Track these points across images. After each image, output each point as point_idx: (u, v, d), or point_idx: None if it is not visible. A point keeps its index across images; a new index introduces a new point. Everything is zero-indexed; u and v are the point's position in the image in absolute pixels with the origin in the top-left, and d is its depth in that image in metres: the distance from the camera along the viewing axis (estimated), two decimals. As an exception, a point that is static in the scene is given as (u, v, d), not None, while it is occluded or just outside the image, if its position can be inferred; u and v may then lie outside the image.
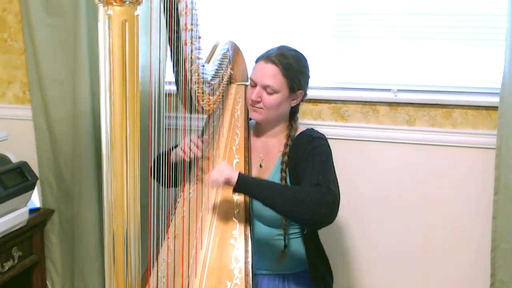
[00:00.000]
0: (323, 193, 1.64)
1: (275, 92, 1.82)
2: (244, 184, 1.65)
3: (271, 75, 1.81)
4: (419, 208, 2.41)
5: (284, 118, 1.93)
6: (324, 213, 1.64)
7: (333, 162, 1.83)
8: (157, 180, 1.86)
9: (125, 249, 1.08)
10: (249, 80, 1.90)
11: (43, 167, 2.71)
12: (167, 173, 1.82)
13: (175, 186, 1.89)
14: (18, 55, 2.73)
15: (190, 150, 1.80)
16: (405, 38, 2.38)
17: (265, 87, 1.82)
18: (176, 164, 1.85)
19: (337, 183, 1.76)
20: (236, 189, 1.66)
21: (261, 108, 1.85)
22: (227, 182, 1.64)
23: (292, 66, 1.83)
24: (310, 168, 1.76)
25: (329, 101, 2.45)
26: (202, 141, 1.87)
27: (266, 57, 1.83)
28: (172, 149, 1.89)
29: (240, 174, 1.65)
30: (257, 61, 1.89)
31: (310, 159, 1.79)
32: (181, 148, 1.82)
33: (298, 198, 1.62)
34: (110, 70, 0.98)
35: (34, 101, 2.68)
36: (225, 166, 1.67)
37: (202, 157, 1.85)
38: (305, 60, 1.90)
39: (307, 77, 1.91)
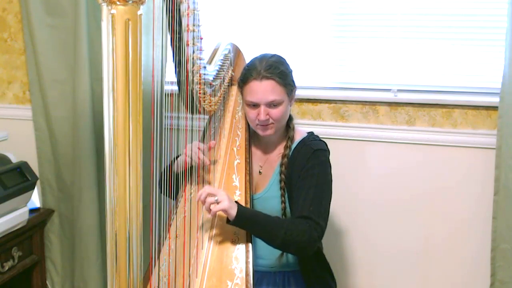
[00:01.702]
0: (311, 230, 1.71)
1: (279, 103, 1.82)
2: (241, 221, 1.65)
3: (271, 90, 1.80)
4: (419, 208, 2.42)
5: (285, 123, 1.94)
6: (309, 251, 1.77)
7: (330, 179, 1.86)
8: (162, 193, 1.85)
9: (127, 248, 1.08)
10: (245, 102, 1.87)
11: (43, 167, 2.71)
12: (171, 185, 1.82)
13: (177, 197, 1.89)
14: (18, 55, 2.73)
15: (194, 153, 1.79)
16: (405, 38, 2.38)
17: (269, 104, 1.81)
18: (178, 174, 1.85)
19: (328, 211, 1.80)
20: (232, 223, 1.66)
21: (272, 123, 1.84)
22: (223, 211, 1.64)
23: (284, 73, 1.83)
24: (305, 192, 1.78)
25: (329, 101, 2.45)
26: (209, 147, 1.85)
27: (257, 75, 1.80)
28: (174, 161, 1.88)
29: (238, 210, 1.64)
30: (245, 82, 1.84)
31: (307, 180, 1.80)
32: (187, 154, 1.80)
33: (289, 239, 1.68)
34: (113, 69, 0.98)
35: (34, 101, 2.68)
36: (226, 197, 1.63)
37: (205, 161, 1.84)
38: (285, 59, 1.90)
39: (292, 72, 1.91)
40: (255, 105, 1.82)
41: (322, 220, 1.75)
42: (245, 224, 1.68)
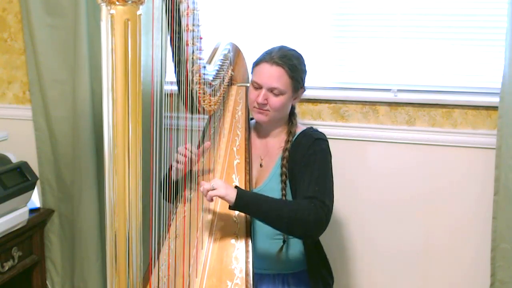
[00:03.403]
0: (317, 209, 1.68)
1: (281, 93, 1.83)
2: (242, 203, 1.64)
3: (277, 77, 1.81)
4: (419, 208, 2.42)
5: (286, 117, 1.94)
6: (317, 231, 1.74)
7: (331, 167, 1.86)
8: (163, 199, 1.86)
9: (127, 248, 1.08)
10: (251, 83, 1.89)
11: (43, 167, 2.71)
12: (171, 190, 1.83)
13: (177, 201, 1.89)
14: (18, 55, 2.73)
15: (186, 157, 1.79)
16: (405, 38, 2.38)
17: (271, 89, 1.82)
18: (177, 181, 1.85)
19: (332, 193, 1.79)
20: (234, 208, 1.65)
21: (268, 110, 1.85)
22: (221, 198, 1.64)
23: (296, 67, 1.84)
24: (308, 175, 1.78)
25: (329, 101, 2.45)
26: (202, 149, 1.86)
27: (270, 59, 1.83)
28: (172, 168, 1.89)
29: (238, 193, 1.63)
30: (257, 63, 1.88)
31: (309, 165, 1.80)
32: (177, 161, 1.81)
33: (294, 218, 1.66)
34: (113, 69, 0.98)
35: (34, 101, 2.68)
36: (221, 184, 1.64)
37: (203, 169, 1.84)
38: (303, 58, 1.91)
39: (306, 74, 1.93)
40: (259, 87, 1.84)
41: (328, 200, 1.73)
42: (247, 207, 1.66)
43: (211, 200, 1.66)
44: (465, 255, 2.40)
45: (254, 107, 1.88)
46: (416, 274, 2.47)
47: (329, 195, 1.76)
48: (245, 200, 1.65)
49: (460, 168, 2.35)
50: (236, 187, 1.67)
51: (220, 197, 1.63)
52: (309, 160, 1.82)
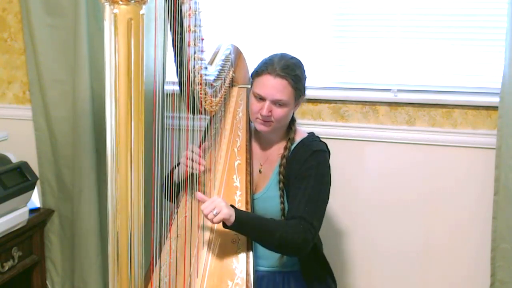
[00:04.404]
0: (305, 232, 1.72)
1: (285, 104, 1.82)
2: (237, 225, 1.64)
3: (281, 89, 1.80)
4: (419, 208, 2.42)
5: (286, 124, 1.93)
6: (303, 252, 1.77)
7: (328, 181, 1.86)
8: (165, 198, 1.86)
9: (129, 246, 1.09)
10: (252, 93, 1.87)
11: (43, 167, 2.71)
12: (172, 191, 1.83)
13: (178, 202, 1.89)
14: (18, 55, 2.73)
15: (193, 161, 1.80)
16: (405, 38, 2.38)
17: (275, 102, 1.81)
18: (179, 183, 1.86)
19: (323, 213, 1.81)
20: (229, 228, 1.65)
21: (272, 121, 1.84)
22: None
23: (299, 77, 1.83)
24: (301, 192, 1.78)
25: (329, 101, 2.45)
26: (204, 151, 1.86)
27: (272, 71, 1.80)
28: (175, 168, 1.89)
29: (236, 215, 1.62)
30: (259, 74, 1.84)
31: (304, 180, 1.80)
32: (183, 163, 1.81)
33: (284, 242, 1.70)
34: (116, 68, 0.99)
35: (34, 101, 2.68)
36: (222, 204, 1.61)
37: (205, 169, 1.84)
38: (303, 64, 1.90)
39: (306, 79, 1.92)
40: (262, 99, 1.82)
41: (316, 221, 1.76)
42: (242, 228, 1.67)
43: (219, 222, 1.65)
44: (465, 255, 2.40)
45: (257, 118, 1.86)
46: (416, 274, 2.47)
47: (318, 215, 1.79)
48: (241, 224, 1.64)
49: (460, 168, 2.35)
50: (232, 206, 1.65)
51: (224, 219, 1.61)
52: (304, 174, 1.81)
